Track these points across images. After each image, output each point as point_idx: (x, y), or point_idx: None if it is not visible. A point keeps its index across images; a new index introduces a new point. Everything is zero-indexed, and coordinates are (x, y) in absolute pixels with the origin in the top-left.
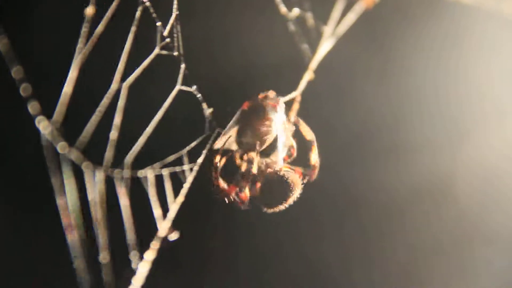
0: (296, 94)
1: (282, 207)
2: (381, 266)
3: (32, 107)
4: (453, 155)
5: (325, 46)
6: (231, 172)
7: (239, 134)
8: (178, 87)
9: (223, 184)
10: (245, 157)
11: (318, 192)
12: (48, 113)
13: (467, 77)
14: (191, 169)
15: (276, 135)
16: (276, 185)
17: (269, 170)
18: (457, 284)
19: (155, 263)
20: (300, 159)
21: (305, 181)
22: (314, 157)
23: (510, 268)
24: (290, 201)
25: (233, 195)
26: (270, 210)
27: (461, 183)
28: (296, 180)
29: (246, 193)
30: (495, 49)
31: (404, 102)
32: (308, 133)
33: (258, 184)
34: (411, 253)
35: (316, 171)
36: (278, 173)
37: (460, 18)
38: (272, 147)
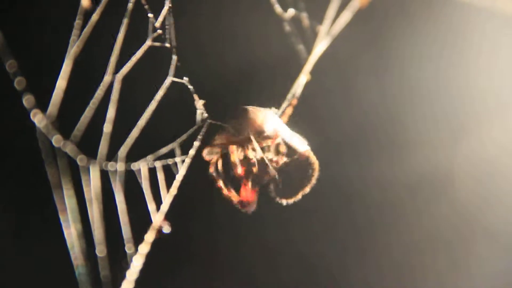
0: (293, 98)
1: (299, 195)
2: (377, 263)
3: (27, 100)
4: (452, 151)
5: (321, 45)
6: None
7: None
8: (170, 78)
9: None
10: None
11: (313, 189)
12: (43, 106)
13: (467, 72)
14: (183, 161)
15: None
16: (299, 169)
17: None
18: (455, 282)
19: (149, 256)
20: None
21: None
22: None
23: (510, 266)
24: (308, 188)
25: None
26: (288, 200)
27: (460, 178)
28: (312, 158)
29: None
30: (494, 45)
31: (402, 99)
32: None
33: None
34: (408, 250)
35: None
36: (301, 157)
37: (458, 13)
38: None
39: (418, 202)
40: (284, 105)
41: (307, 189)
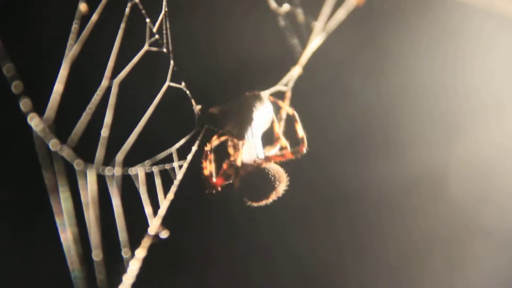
0: (286, 89)
1: (266, 201)
2: (374, 262)
3: (24, 104)
4: (448, 150)
5: (315, 41)
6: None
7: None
8: (167, 83)
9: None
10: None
11: (309, 188)
12: (40, 110)
13: (464, 71)
14: (180, 166)
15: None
16: (257, 178)
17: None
18: (451, 281)
19: (146, 260)
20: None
21: (298, 156)
22: (300, 130)
23: (506, 265)
24: (275, 195)
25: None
26: (253, 204)
27: (457, 178)
28: (280, 172)
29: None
30: (491, 44)
31: (398, 98)
32: (289, 109)
33: (238, 177)
34: (404, 249)
35: (305, 143)
36: (260, 166)
37: (455, 11)
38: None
39: (414, 201)
40: (272, 89)
41: (270, 200)
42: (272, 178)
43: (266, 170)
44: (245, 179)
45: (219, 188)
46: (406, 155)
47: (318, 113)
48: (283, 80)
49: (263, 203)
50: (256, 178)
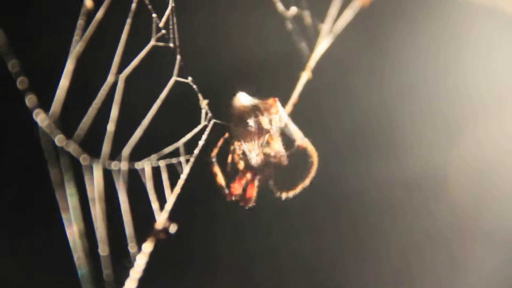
0: (295, 96)
1: (299, 187)
2: (375, 262)
3: (30, 100)
4: (450, 150)
5: (323, 44)
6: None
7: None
8: (174, 78)
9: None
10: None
11: (312, 189)
12: (45, 105)
13: (465, 72)
14: (187, 161)
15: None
16: (297, 161)
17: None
18: (452, 281)
19: (153, 255)
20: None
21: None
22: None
23: (507, 265)
24: (308, 180)
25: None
26: (288, 193)
27: (458, 177)
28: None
29: (252, 190)
30: (492, 44)
31: (401, 98)
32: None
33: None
34: (405, 250)
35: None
36: (300, 148)
37: (457, 14)
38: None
39: (416, 201)
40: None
41: (307, 182)
42: (312, 157)
43: (308, 150)
44: (276, 168)
45: (254, 196)
46: (408, 155)
47: (322, 114)
48: (297, 87)
49: (297, 190)
50: (290, 165)
